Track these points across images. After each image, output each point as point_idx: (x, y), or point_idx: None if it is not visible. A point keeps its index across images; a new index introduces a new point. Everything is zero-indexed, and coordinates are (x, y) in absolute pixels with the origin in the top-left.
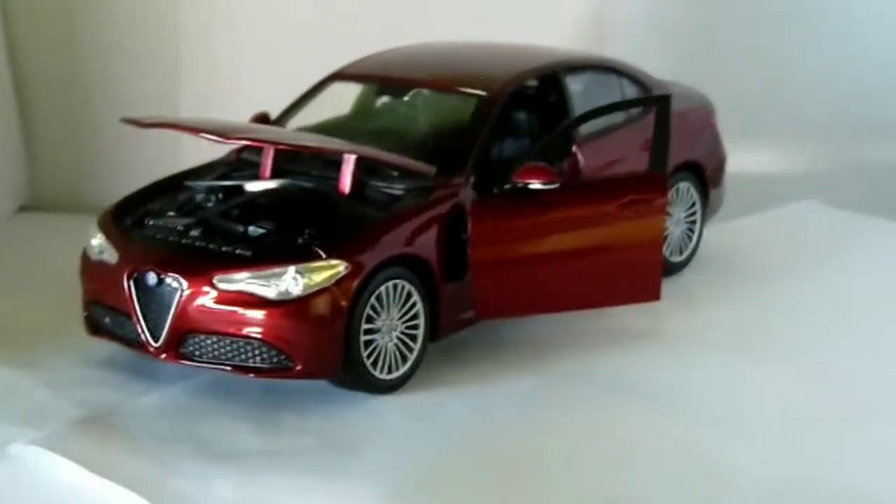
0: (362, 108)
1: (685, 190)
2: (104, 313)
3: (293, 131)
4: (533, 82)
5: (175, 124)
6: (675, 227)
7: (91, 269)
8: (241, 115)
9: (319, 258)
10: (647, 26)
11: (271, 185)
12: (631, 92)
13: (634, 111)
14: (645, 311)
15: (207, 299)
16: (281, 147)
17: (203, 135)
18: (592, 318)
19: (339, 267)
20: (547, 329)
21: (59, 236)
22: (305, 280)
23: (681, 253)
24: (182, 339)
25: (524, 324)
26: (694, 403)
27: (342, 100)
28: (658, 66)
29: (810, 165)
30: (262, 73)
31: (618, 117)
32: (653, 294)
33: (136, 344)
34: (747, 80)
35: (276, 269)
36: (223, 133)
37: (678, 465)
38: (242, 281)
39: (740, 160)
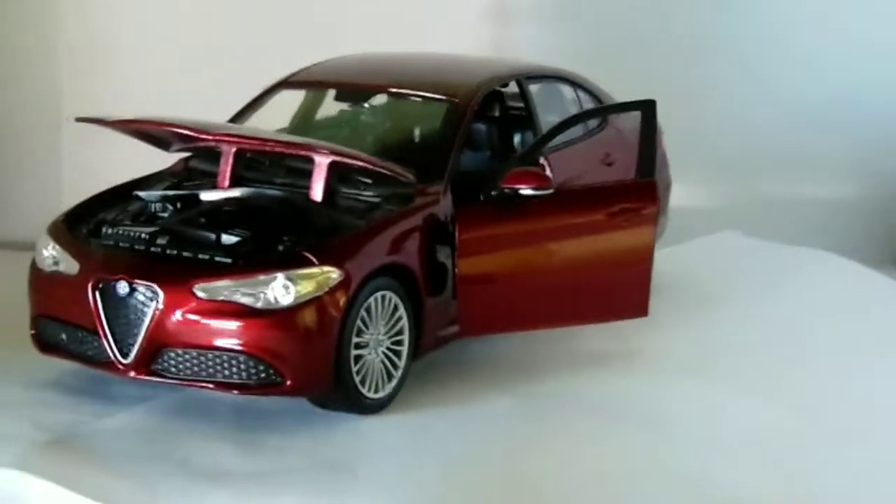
0: (305, 120)
1: None
2: (59, 329)
3: (275, 132)
4: (495, 91)
5: (142, 121)
6: None
7: (42, 281)
8: None
9: (311, 264)
10: (552, 56)
11: (234, 193)
12: (587, 103)
13: (591, 123)
14: (607, 332)
15: (186, 310)
16: (273, 149)
17: (178, 130)
18: (558, 341)
19: (333, 274)
20: (514, 351)
21: None
22: (298, 288)
23: None
24: (156, 355)
25: (492, 345)
26: (676, 423)
27: (289, 110)
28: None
29: (724, 199)
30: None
31: (576, 130)
32: (640, 309)
33: (100, 361)
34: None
35: (263, 277)
36: (201, 130)
37: (669, 484)
38: (226, 289)
39: None
